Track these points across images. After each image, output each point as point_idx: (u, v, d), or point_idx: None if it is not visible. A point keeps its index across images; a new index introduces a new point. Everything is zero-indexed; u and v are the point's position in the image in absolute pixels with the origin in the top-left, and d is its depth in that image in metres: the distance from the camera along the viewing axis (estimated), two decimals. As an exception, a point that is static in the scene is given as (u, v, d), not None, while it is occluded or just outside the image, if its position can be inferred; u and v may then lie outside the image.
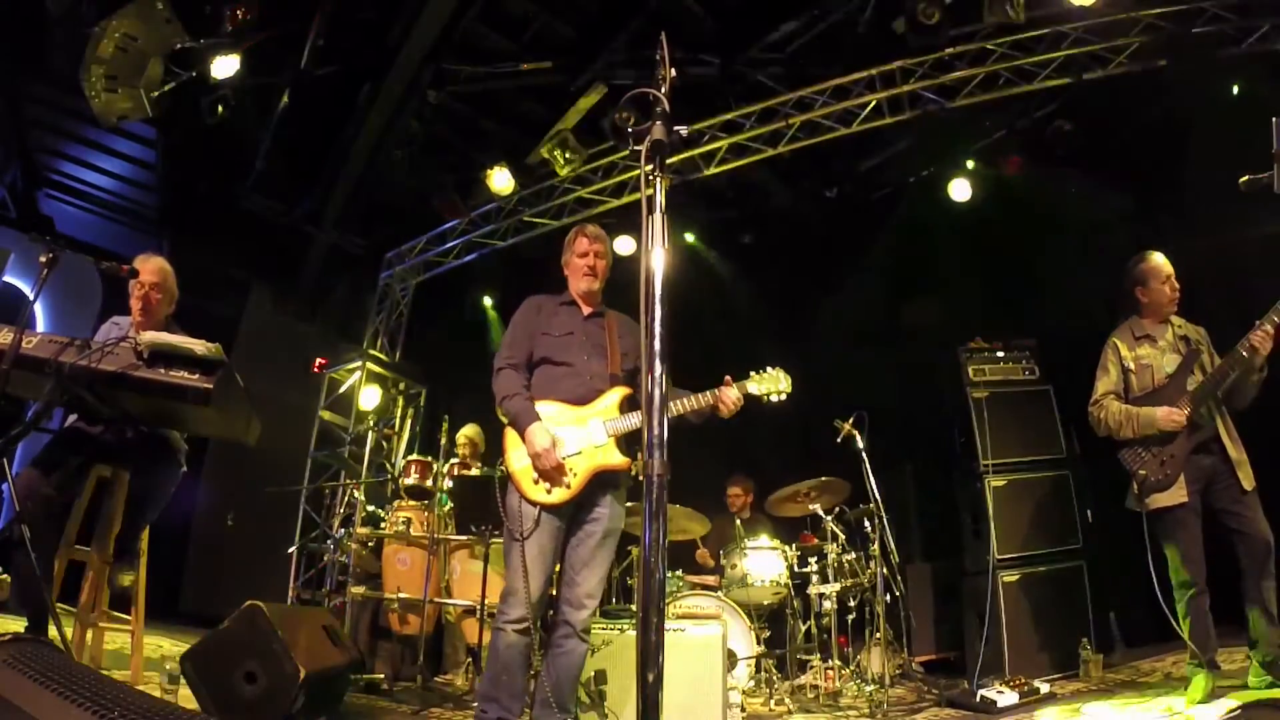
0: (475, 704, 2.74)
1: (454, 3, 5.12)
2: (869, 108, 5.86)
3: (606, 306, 3.02)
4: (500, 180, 6.43)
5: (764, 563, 4.64)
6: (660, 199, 1.65)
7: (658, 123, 1.69)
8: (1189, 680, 3.16)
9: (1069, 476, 4.73)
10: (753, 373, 2.84)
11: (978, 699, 3.63)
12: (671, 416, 2.64)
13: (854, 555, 4.73)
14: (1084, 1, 4.92)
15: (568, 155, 6.14)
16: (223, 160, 6.47)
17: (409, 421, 7.52)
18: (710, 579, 5.00)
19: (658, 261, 1.61)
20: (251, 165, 6.42)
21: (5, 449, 2.35)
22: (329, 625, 3.38)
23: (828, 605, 4.65)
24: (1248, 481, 3.18)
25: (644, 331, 1.59)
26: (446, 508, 4.86)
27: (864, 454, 4.41)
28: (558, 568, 2.77)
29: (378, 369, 7.34)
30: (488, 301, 8.10)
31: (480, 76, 5.95)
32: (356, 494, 5.29)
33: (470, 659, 4.41)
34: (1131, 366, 3.46)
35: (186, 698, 2.68)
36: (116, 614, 3.15)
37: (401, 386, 7.63)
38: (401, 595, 4.58)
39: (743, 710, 3.71)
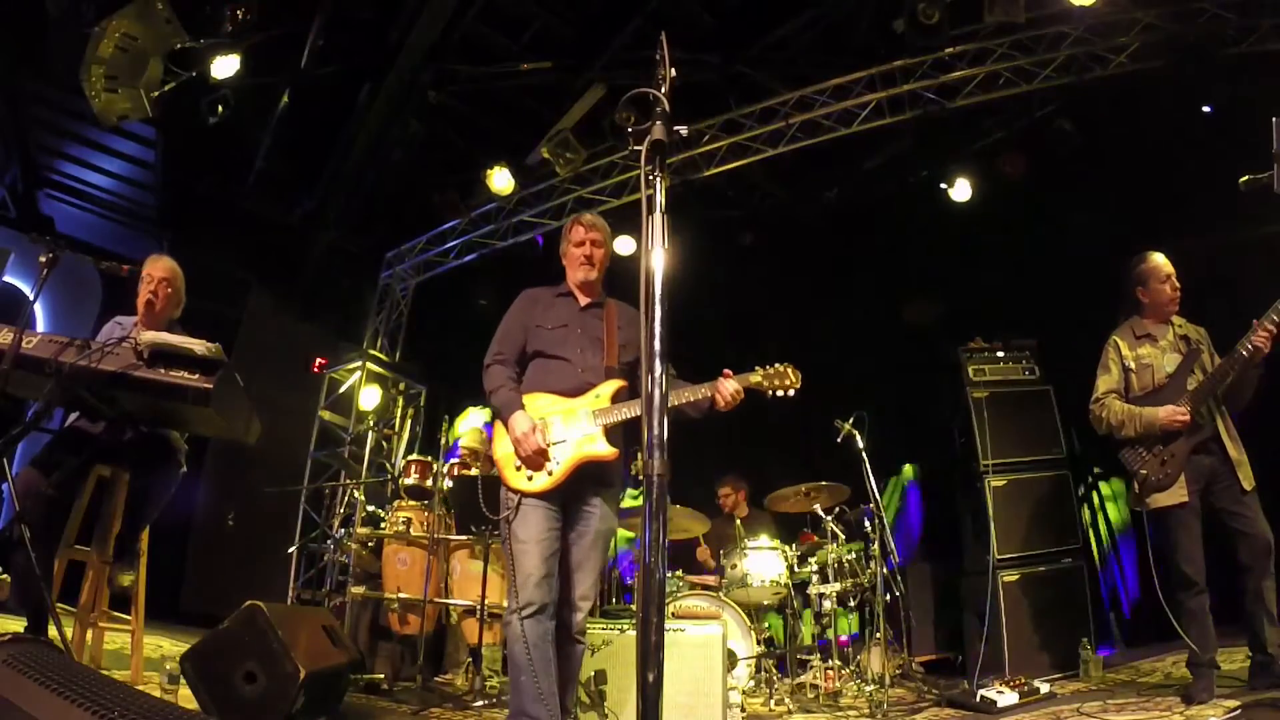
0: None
1: (454, 3, 5.12)
2: (869, 108, 5.86)
3: (608, 296, 2.92)
4: (500, 180, 6.44)
5: (764, 563, 4.64)
6: (660, 199, 1.65)
7: (658, 123, 1.68)
8: (1189, 680, 3.16)
9: (1069, 476, 4.73)
10: (757, 366, 2.77)
11: (978, 699, 3.62)
12: (669, 408, 2.57)
13: (854, 555, 4.74)
14: (1084, 1, 4.92)
15: (568, 155, 6.14)
16: (223, 160, 6.48)
17: (409, 421, 7.52)
18: (710, 579, 5.00)
19: (658, 261, 1.60)
20: (251, 165, 6.43)
21: (5, 449, 2.35)
22: (329, 625, 3.38)
23: (827, 605, 4.65)
24: (1248, 482, 3.18)
25: (644, 331, 1.58)
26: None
27: (864, 454, 4.41)
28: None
29: (378, 369, 7.35)
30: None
31: (480, 76, 5.96)
32: (356, 494, 5.29)
33: (470, 659, 4.41)
34: (1132, 366, 3.46)
35: (186, 698, 2.67)
36: (116, 614, 3.15)
37: (401, 386, 7.63)
38: (401, 595, 4.58)
39: (743, 710, 3.71)
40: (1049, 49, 5.39)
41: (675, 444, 1.53)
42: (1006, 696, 3.57)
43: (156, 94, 4.89)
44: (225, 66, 5.00)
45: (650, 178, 1.66)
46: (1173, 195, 5.00)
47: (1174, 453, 3.24)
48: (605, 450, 2.62)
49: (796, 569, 4.75)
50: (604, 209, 6.73)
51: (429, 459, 5.00)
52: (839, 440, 4.50)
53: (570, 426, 2.64)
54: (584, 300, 2.87)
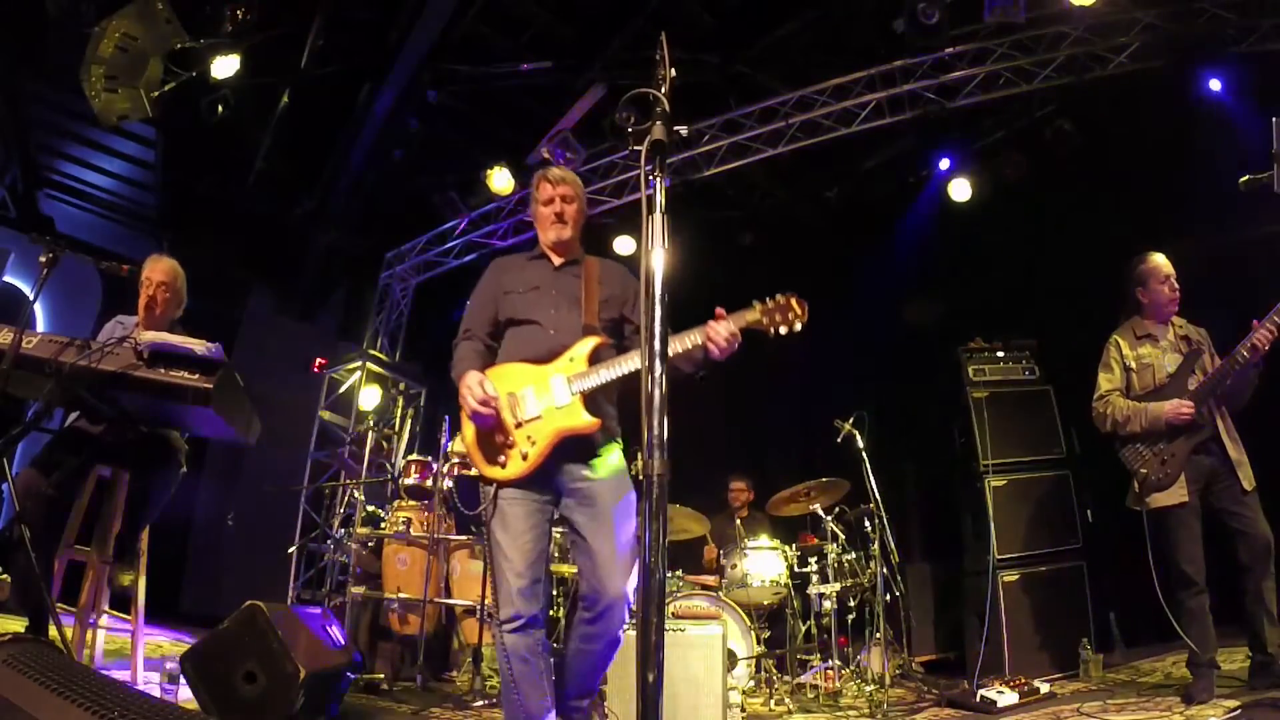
0: None
1: (454, 3, 5.12)
2: (869, 108, 5.86)
3: (587, 254, 2.62)
4: (500, 180, 6.44)
5: (764, 563, 4.64)
6: (660, 199, 1.65)
7: (658, 123, 1.68)
8: (1189, 680, 3.16)
9: (1069, 476, 4.73)
10: (755, 301, 2.44)
11: (978, 699, 3.62)
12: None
13: (854, 555, 4.74)
14: (1084, 1, 4.92)
15: (567, 155, 6.14)
16: (223, 160, 6.48)
17: (409, 421, 7.51)
18: (710, 579, 5.00)
19: (658, 261, 1.60)
20: (251, 165, 6.43)
21: (5, 449, 2.35)
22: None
23: (827, 605, 4.65)
24: (1248, 482, 3.19)
25: (644, 332, 1.57)
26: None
27: (864, 454, 4.40)
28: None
29: (378, 369, 7.34)
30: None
31: (480, 76, 5.96)
32: (356, 494, 5.29)
33: (470, 659, 4.41)
34: (1133, 365, 3.46)
35: (186, 698, 2.68)
36: (116, 614, 3.15)
37: (401, 386, 7.63)
38: (401, 595, 4.58)
39: (743, 710, 3.71)
40: (1049, 49, 5.39)
41: (675, 443, 1.53)
42: (1006, 696, 3.57)
43: (156, 94, 4.90)
44: (225, 67, 5.00)
45: (650, 178, 1.66)
46: (1173, 195, 4.99)
47: (1174, 452, 3.25)
48: (585, 421, 2.28)
49: (796, 569, 4.75)
50: (604, 209, 6.73)
51: (429, 459, 5.00)
52: (839, 440, 4.50)
53: (544, 398, 2.31)
54: (559, 260, 2.56)
